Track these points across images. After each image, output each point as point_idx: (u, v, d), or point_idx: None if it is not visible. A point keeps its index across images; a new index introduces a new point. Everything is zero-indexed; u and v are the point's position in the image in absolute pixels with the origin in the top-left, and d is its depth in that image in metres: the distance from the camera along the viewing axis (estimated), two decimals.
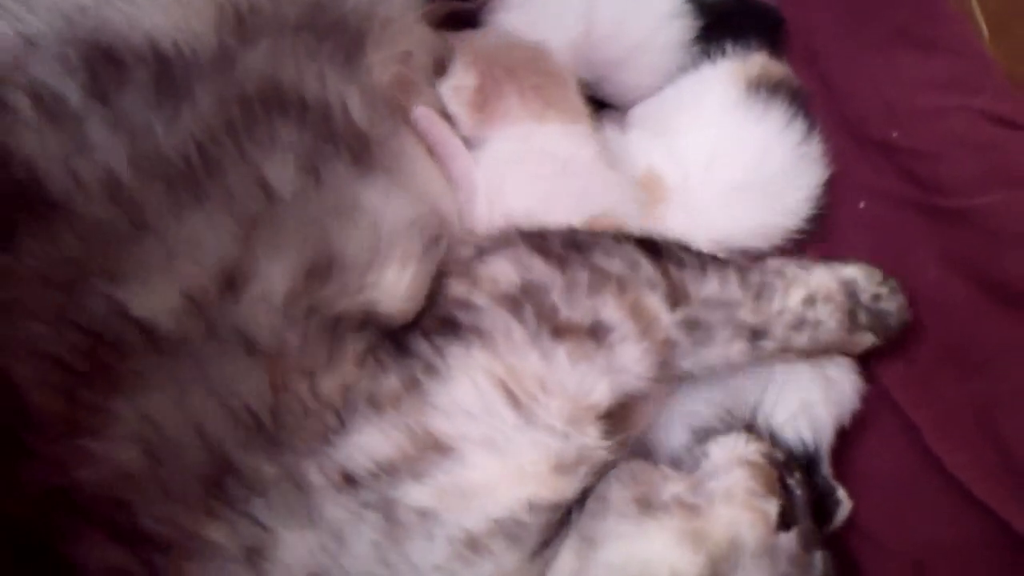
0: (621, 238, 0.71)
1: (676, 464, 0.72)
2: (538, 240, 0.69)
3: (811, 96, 0.93)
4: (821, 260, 0.79)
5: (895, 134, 0.89)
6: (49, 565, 0.58)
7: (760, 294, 0.71)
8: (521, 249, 0.68)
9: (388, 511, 0.59)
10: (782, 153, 0.87)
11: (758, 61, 0.92)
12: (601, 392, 0.64)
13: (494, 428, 0.61)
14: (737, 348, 0.70)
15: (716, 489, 0.66)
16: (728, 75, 0.90)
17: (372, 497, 0.59)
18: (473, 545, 0.59)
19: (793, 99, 0.89)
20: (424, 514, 0.59)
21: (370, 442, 0.60)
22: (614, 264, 0.68)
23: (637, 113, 0.93)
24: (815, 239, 0.89)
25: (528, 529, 0.60)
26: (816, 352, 0.76)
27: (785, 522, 0.65)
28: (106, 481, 0.57)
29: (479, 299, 0.66)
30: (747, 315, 0.70)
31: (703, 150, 0.87)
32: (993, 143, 0.86)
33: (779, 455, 0.70)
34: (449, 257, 0.70)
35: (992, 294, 0.81)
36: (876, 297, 0.77)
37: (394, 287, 0.66)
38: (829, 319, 0.74)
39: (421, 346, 0.64)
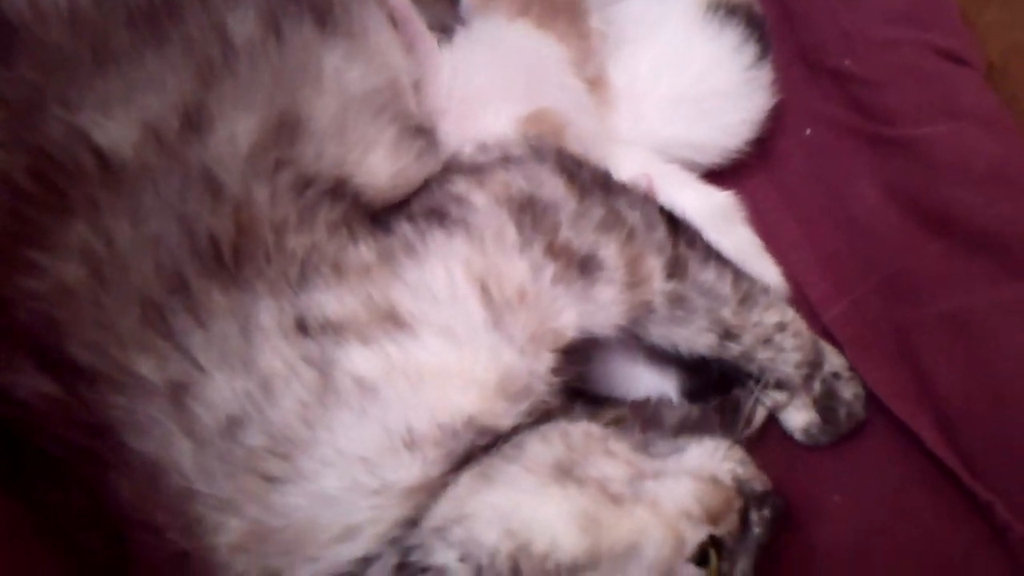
0: (650, 200, 0.72)
1: (652, 430, 0.69)
2: (569, 164, 0.70)
3: (769, 24, 0.92)
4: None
5: (847, 62, 0.90)
6: None
7: (745, 300, 0.73)
8: (548, 166, 0.69)
9: (326, 370, 0.57)
10: (728, 74, 0.88)
11: None
12: (568, 318, 0.64)
13: (457, 319, 0.60)
14: (706, 339, 0.71)
15: (650, 490, 0.60)
16: None
17: (315, 351, 0.58)
18: (411, 444, 0.57)
19: (749, 23, 0.89)
20: (362, 384, 0.57)
21: (327, 300, 0.59)
22: (633, 215, 0.68)
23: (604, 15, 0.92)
24: (757, 161, 0.90)
25: (458, 445, 0.59)
26: (771, 374, 0.76)
27: (704, 557, 0.58)
28: (44, 295, 0.57)
29: (478, 198, 0.66)
30: (727, 314, 0.72)
31: (651, 60, 0.87)
32: (940, 76, 0.87)
33: (758, 486, 0.63)
34: (458, 156, 0.71)
35: (926, 224, 0.82)
36: (836, 375, 0.77)
37: (373, 166, 0.66)
38: (792, 352, 0.75)
39: (403, 227, 0.64)
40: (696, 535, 0.59)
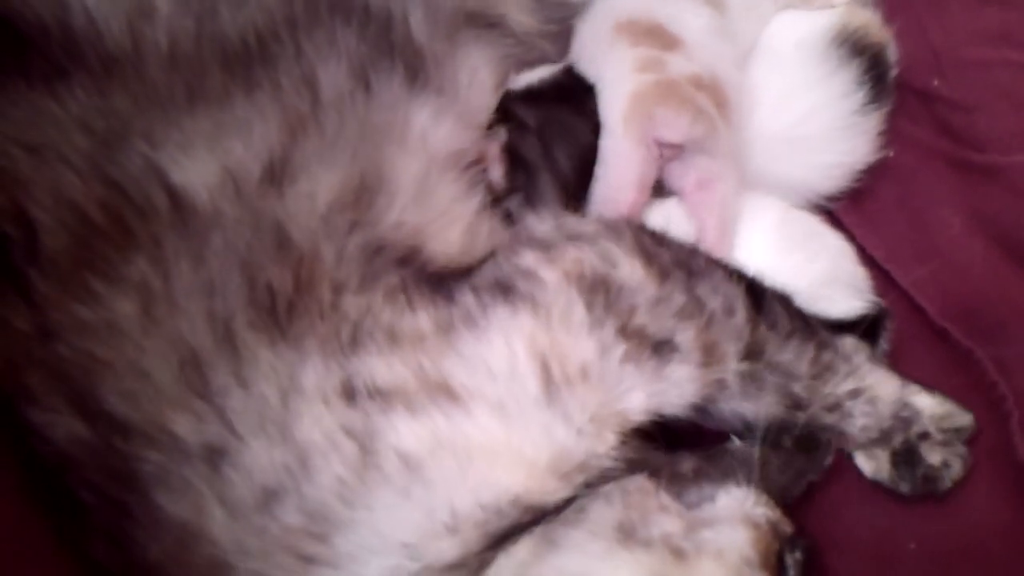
0: (735, 276, 0.69)
1: (677, 482, 0.67)
2: (648, 244, 0.67)
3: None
4: (903, 376, 0.74)
5: (936, 82, 0.87)
6: (11, 425, 0.59)
7: (820, 375, 0.70)
8: (624, 245, 0.66)
9: (368, 444, 0.56)
10: (833, 116, 0.83)
11: (864, 17, 0.86)
12: (636, 399, 0.62)
13: (511, 394, 0.58)
14: (772, 410, 0.69)
15: (711, 541, 0.59)
16: (825, 16, 0.85)
17: (358, 421, 0.56)
18: (452, 527, 0.56)
19: (872, 66, 0.83)
20: (407, 461, 0.56)
21: (377, 366, 0.58)
22: (714, 301, 0.66)
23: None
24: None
25: (502, 523, 0.57)
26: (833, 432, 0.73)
27: None
28: (92, 328, 0.57)
29: (547, 274, 0.64)
30: (799, 388, 0.69)
31: (758, 88, 0.83)
32: None
33: (787, 528, 0.63)
34: (530, 230, 0.69)
35: (1013, 256, 0.80)
36: (924, 435, 0.73)
37: (450, 236, 0.66)
38: (860, 418, 0.72)
39: (466, 297, 0.63)
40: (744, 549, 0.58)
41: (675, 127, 0.75)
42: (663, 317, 0.64)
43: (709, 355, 0.64)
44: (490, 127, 0.77)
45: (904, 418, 0.73)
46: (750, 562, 0.58)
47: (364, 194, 0.63)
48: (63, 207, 0.59)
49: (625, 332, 0.62)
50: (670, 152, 0.76)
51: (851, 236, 0.84)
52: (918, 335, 0.80)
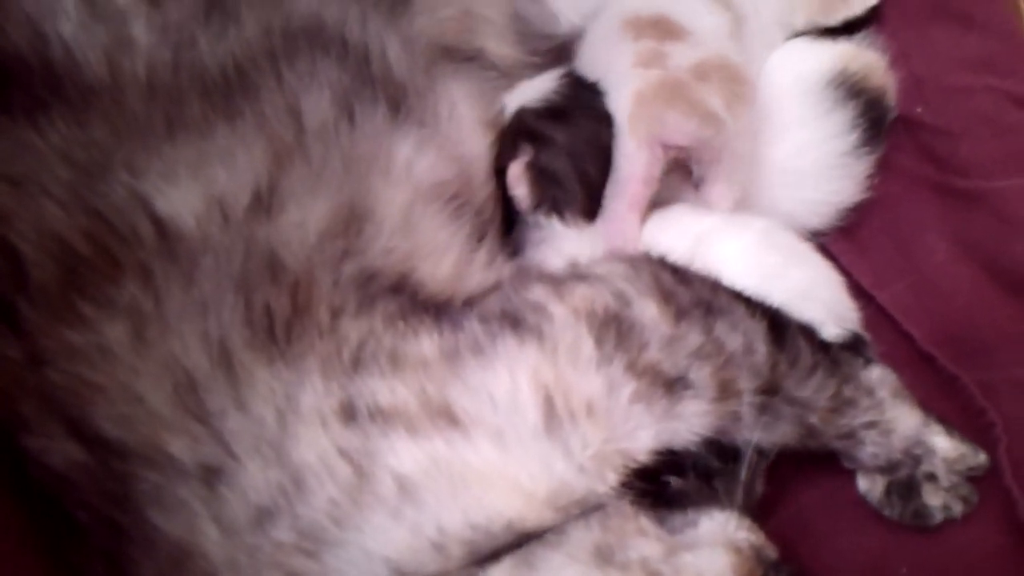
0: (757, 312, 0.68)
1: (660, 507, 0.66)
2: (667, 283, 0.67)
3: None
4: (929, 413, 0.74)
5: (919, 109, 0.87)
6: (6, 452, 0.59)
7: (839, 409, 0.70)
8: (641, 284, 0.66)
9: (364, 466, 0.56)
10: (822, 154, 0.83)
11: (866, 60, 0.86)
12: (644, 440, 0.61)
13: (511, 424, 0.58)
14: (785, 439, 0.69)
15: (690, 565, 0.58)
16: (827, 55, 0.85)
17: (356, 443, 0.56)
18: (439, 545, 0.56)
19: (868, 110, 0.84)
20: (403, 484, 0.56)
21: (379, 388, 0.58)
22: (733, 341, 0.65)
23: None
24: None
25: (490, 545, 0.57)
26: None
27: None
28: (83, 352, 0.57)
29: (557, 309, 0.64)
30: (816, 420, 0.69)
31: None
32: (1017, 127, 0.85)
33: (771, 553, 0.62)
34: (541, 265, 0.71)
35: (999, 282, 0.80)
36: (931, 477, 0.72)
37: (439, 264, 0.66)
38: (870, 446, 0.72)
39: (473, 325, 0.63)
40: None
41: (683, 131, 0.75)
42: (677, 356, 0.63)
43: (724, 391, 0.64)
44: (511, 148, 0.78)
45: (915, 455, 0.72)
46: None
47: (352, 223, 0.64)
48: (47, 239, 0.59)
49: (635, 370, 0.61)
50: (676, 151, 0.76)
51: (837, 262, 0.84)
52: (905, 361, 0.80)
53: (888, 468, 0.73)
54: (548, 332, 0.62)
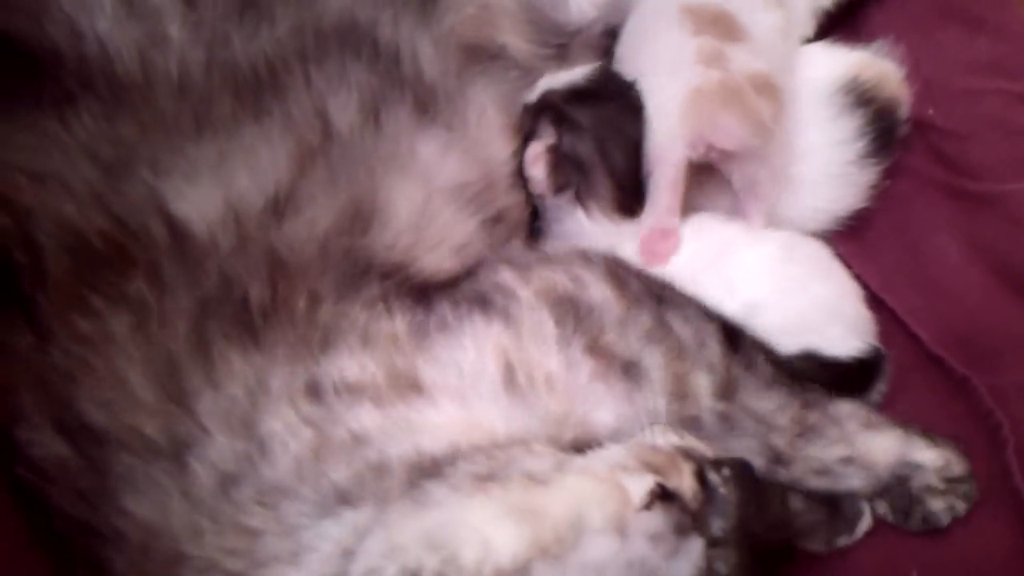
0: (711, 315, 0.70)
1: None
2: (620, 272, 0.70)
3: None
4: (903, 423, 0.74)
5: (930, 112, 0.87)
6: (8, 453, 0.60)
7: (804, 434, 0.69)
8: (596, 270, 0.69)
9: (326, 431, 0.58)
10: (821, 162, 0.83)
11: (880, 70, 0.85)
12: (604, 416, 0.63)
13: (474, 388, 0.61)
14: (753, 454, 0.68)
15: (577, 464, 0.58)
16: (840, 62, 0.85)
17: (319, 414, 0.59)
18: (379, 470, 0.57)
19: (877, 122, 0.83)
20: (358, 437, 0.58)
21: (348, 366, 0.60)
22: (685, 331, 0.67)
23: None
24: None
25: (432, 475, 0.57)
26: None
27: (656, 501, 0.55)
28: (89, 339, 0.59)
29: (523, 292, 0.67)
30: (779, 442, 0.69)
31: None
32: None
33: (706, 451, 0.60)
34: (508, 251, 0.72)
35: (1007, 284, 0.80)
36: (928, 488, 0.72)
37: (444, 255, 0.68)
38: (854, 480, 0.71)
39: (444, 307, 0.66)
40: (640, 485, 0.55)
41: (734, 136, 0.75)
42: (630, 337, 0.66)
43: (679, 385, 0.65)
44: (533, 126, 0.78)
45: (903, 476, 0.72)
46: (623, 467, 0.57)
47: (359, 220, 0.65)
48: (67, 233, 0.61)
49: (593, 350, 0.64)
50: (717, 155, 0.76)
51: (847, 264, 0.84)
52: (914, 363, 0.81)
53: (882, 492, 0.72)
54: (514, 313, 0.65)
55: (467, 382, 0.61)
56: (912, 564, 0.73)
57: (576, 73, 0.80)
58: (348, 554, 0.54)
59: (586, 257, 0.71)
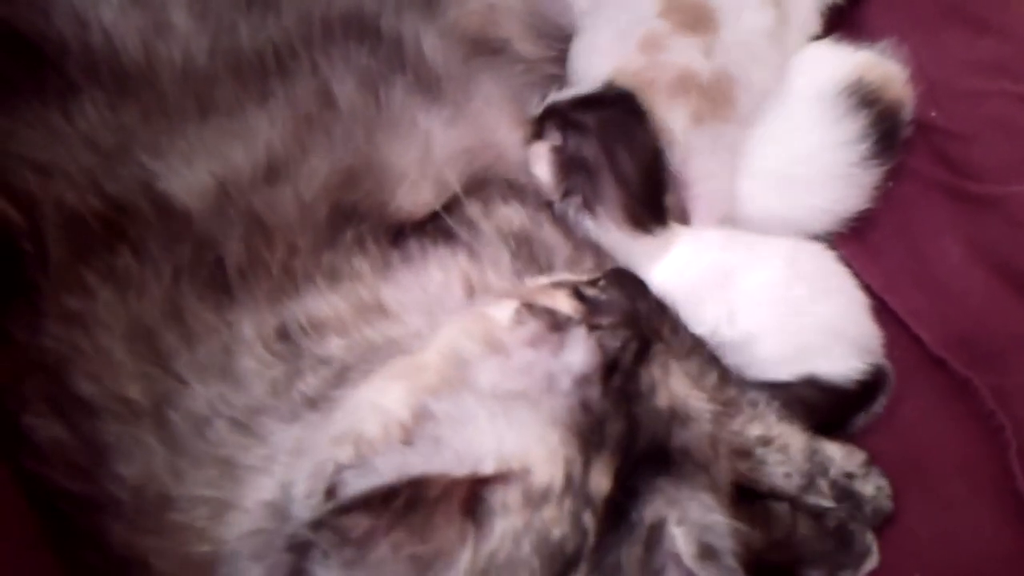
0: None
1: None
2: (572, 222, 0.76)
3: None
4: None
5: (934, 113, 0.87)
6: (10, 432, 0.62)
7: (726, 408, 0.69)
8: (549, 216, 0.74)
9: (297, 361, 0.60)
10: (823, 163, 0.83)
11: (884, 72, 0.85)
12: None
13: (439, 302, 0.64)
14: None
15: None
16: (845, 62, 0.85)
17: (290, 351, 0.61)
18: (341, 374, 0.59)
19: (880, 123, 0.83)
20: (328, 361, 0.60)
21: (317, 304, 0.62)
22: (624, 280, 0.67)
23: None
24: None
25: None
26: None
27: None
28: (79, 317, 0.61)
29: (486, 226, 0.71)
30: None
31: (763, 127, 0.83)
32: None
33: (580, 278, 0.61)
34: (473, 184, 0.73)
35: (1010, 285, 0.80)
36: (849, 475, 0.74)
37: (425, 203, 0.70)
38: (776, 466, 0.72)
39: (410, 241, 0.68)
40: (504, 309, 0.55)
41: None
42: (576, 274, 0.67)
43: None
44: (538, 131, 0.78)
45: (819, 463, 0.73)
46: (485, 303, 0.58)
47: (351, 180, 0.67)
48: (66, 218, 0.62)
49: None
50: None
51: (849, 265, 0.84)
52: (916, 364, 0.81)
53: (810, 485, 0.73)
54: (476, 245, 0.68)
55: (433, 299, 0.64)
56: (915, 566, 0.73)
57: (582, 87, 0.80)
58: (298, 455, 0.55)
59: (539, 199, 0.75)
